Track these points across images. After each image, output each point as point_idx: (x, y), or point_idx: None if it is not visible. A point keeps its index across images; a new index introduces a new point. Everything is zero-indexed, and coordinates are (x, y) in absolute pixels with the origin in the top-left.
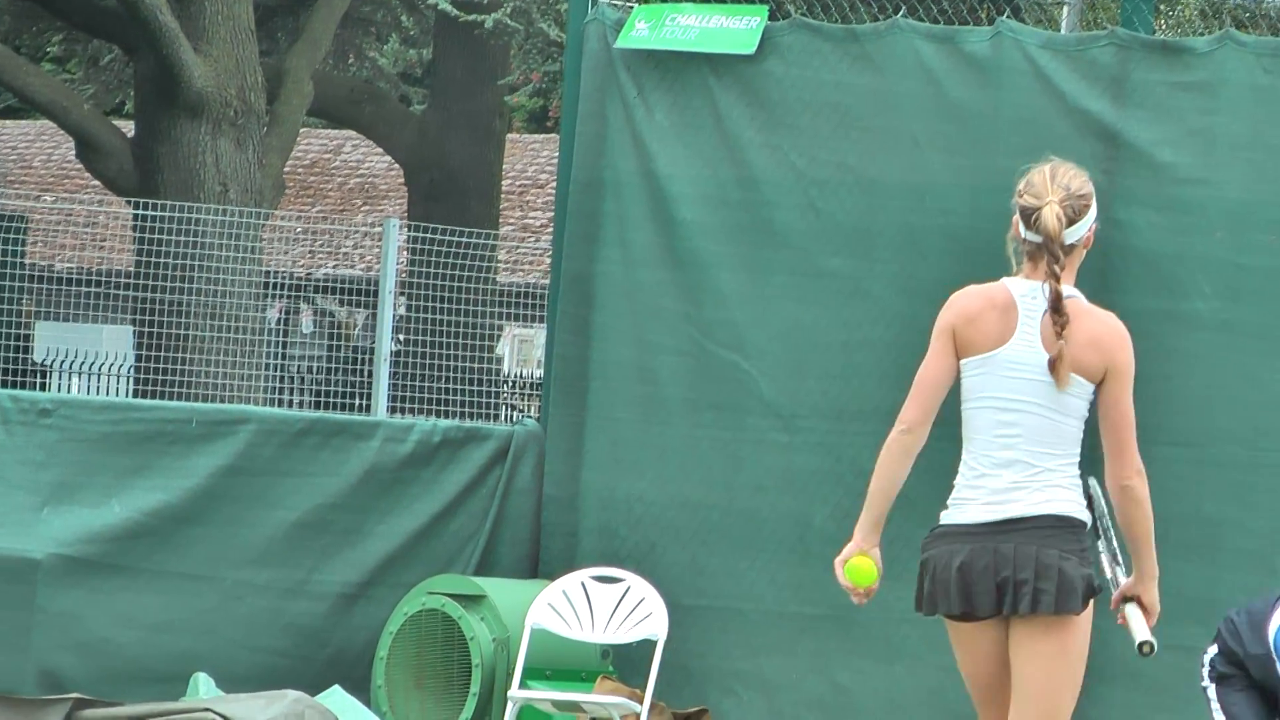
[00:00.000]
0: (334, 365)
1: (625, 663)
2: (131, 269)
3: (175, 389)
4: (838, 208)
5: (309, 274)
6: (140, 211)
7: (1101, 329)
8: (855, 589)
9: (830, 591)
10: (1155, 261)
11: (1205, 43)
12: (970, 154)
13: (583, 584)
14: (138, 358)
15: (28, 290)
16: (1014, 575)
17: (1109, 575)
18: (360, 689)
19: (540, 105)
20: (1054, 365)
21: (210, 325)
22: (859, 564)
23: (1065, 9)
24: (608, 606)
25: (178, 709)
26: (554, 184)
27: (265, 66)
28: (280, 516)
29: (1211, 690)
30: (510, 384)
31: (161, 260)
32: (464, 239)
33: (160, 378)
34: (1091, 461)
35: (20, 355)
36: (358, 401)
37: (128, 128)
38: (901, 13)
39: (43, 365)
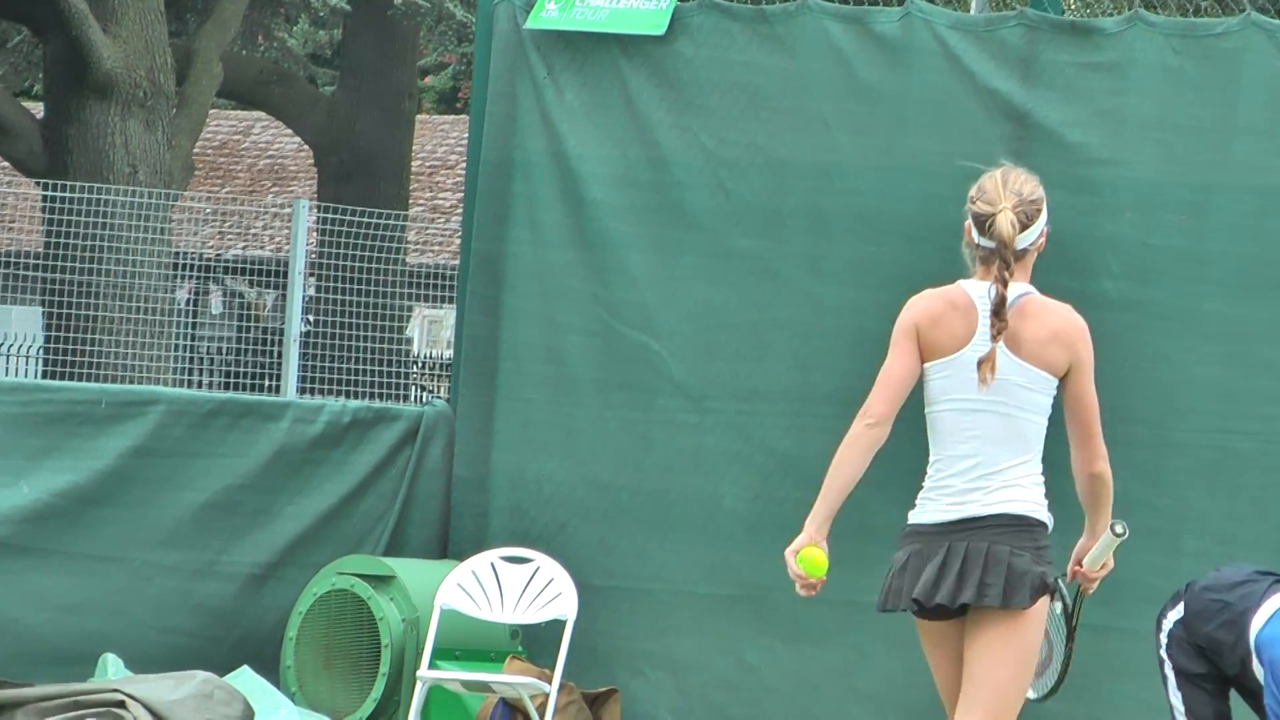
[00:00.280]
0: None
1: (534, 643)
2: (40, 250)
3: (84, 370)
4: (747, 188)
5: (218, 255)
6: (49, 193)
7: (1061, 324)
8: (806, 579)
9: (739, 571)
10: (1065, 242)
11: (1114, 23)
12: (880, 134)
13: (492, 564)
14: (46, 339)
15: None
16: (962, 569)
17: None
18: (269, 669)
19: (450, 86)
20: (981, 364)
21: (119, 306)
22: (810, 555)
23: None
24: (517, 587)
25: (86, 690)
26: (464, 165)
27: (174, 48)
28: (189, 497)
29: (1170, 670)
30: (420, 365)
31: (70, 241)
32: (373, 220)
33: (69, 359)
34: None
35: None
36: (267, 382)
37: (37, 109)
38: None
39: None
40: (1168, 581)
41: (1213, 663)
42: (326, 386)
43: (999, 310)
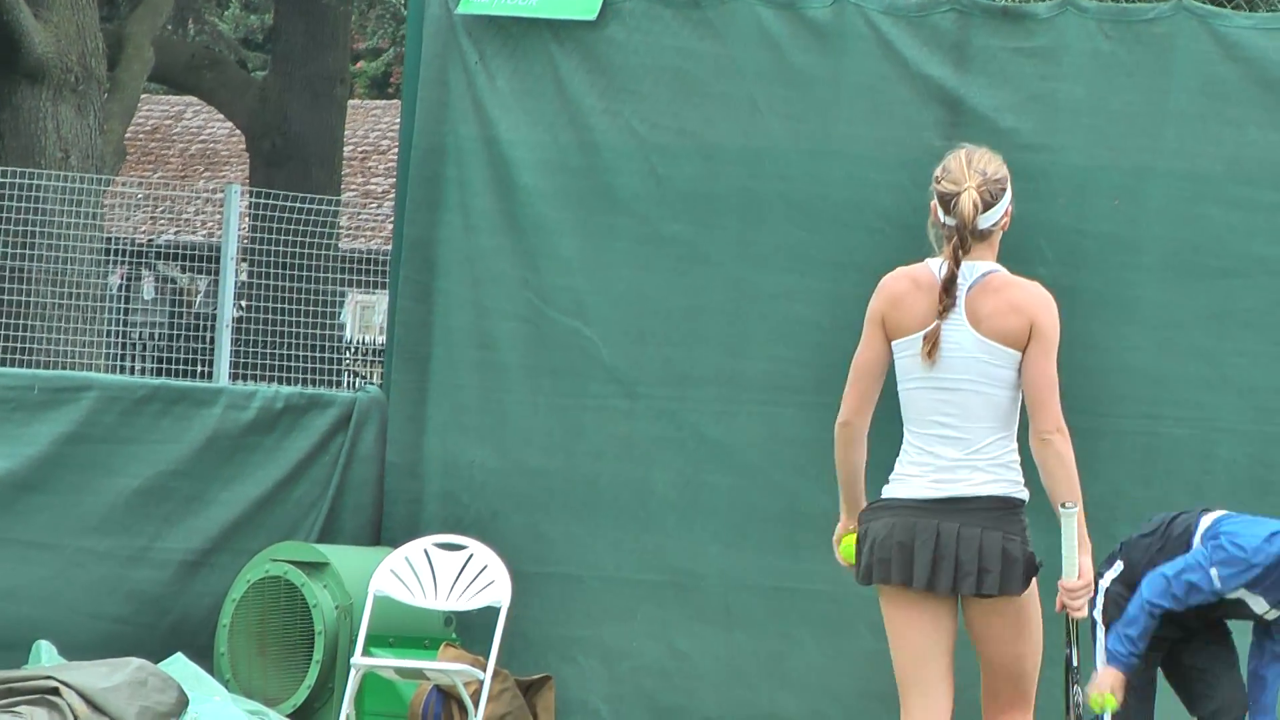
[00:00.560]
0: (176, 332)
1: (468, 630)
2: None
3: (16, 355)
4: (678, 174)
5: (150, 240)
6: None
7: (1022, 295)
8: (851, 565)
9: (670, 558)
10: None
11: (1046, 8)
12: (811, 120)
13: (426, 551)
14: None
15: None
16: (957, 556)
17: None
18: (203, 656)
19: (382, 71)
20: (925, 338)
21: (51, 292)
22: (851, 542)
23: None
24: (451, 574)
25: (19, 677)
26: (396, 150)
27: (106, 32)
28: (122, 484)
29: (1102, 633)
30: (353, 351)
31: (2, 227)
32: (306, 205)
33: (1, 344)
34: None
35: None
36: (200, 368)
37: None
38: None
39: None
40: None
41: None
42: (259, 372)
43: (948, 287)
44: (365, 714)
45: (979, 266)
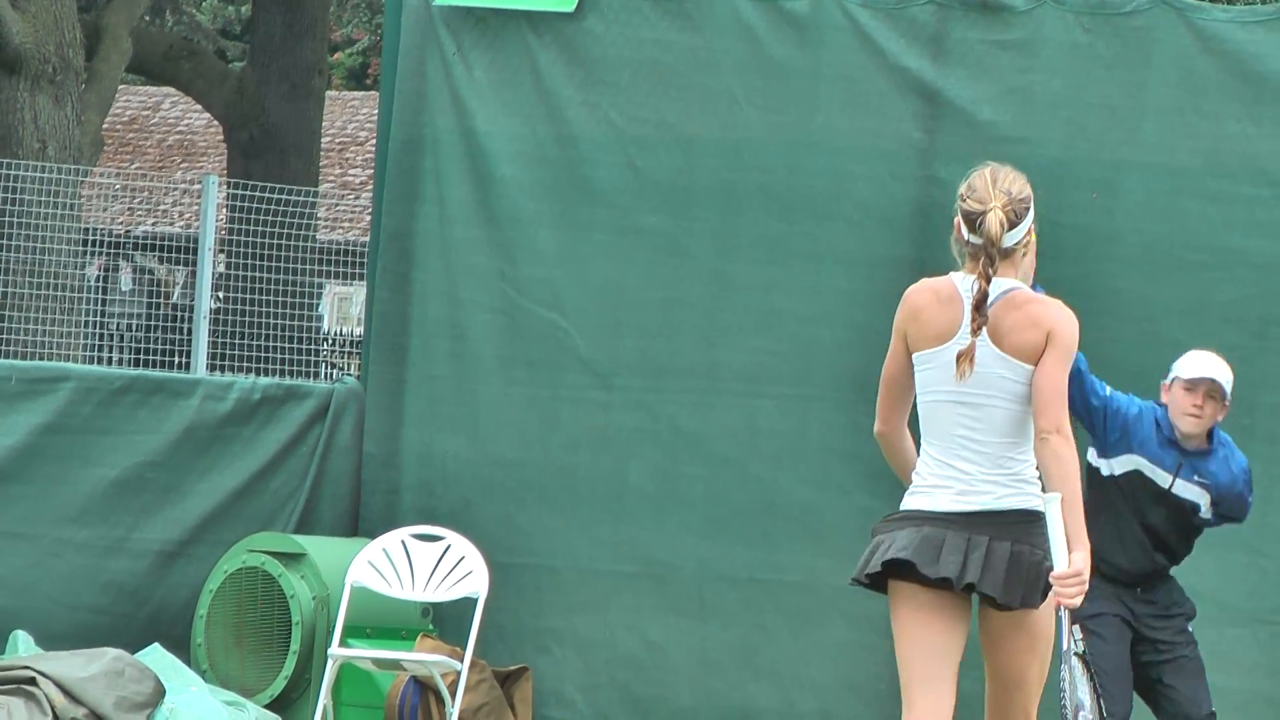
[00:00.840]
0: (153, 323)
1: (444, 621)
2: None
3: None
4: (656, 165)
5: (128, 231)
6: None
7: (1042, 310)
8: None
9: (644, 549)
10: None
11: (1024, 1)
12: (789, 112)
13: (403, 542)
14: None
15: None
16: (986, 563)
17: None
18: (180, 647)
19: (360, 62)
20: (959, 357)
21: (29, 283)
22: None
23: None
24: (428, 565)
25: None
26: (374, 141)
27: (83, 23)
28: (100, 474)
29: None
30: (330, 342)
31: None
32: (283, 196)
33: None
34: None
35: None
36: (177, 359)
37: None
38: None
39: None
40: None
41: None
42: (236, 363)
43: (980, 305)
44: (342, 705)
45: (1001, 283)
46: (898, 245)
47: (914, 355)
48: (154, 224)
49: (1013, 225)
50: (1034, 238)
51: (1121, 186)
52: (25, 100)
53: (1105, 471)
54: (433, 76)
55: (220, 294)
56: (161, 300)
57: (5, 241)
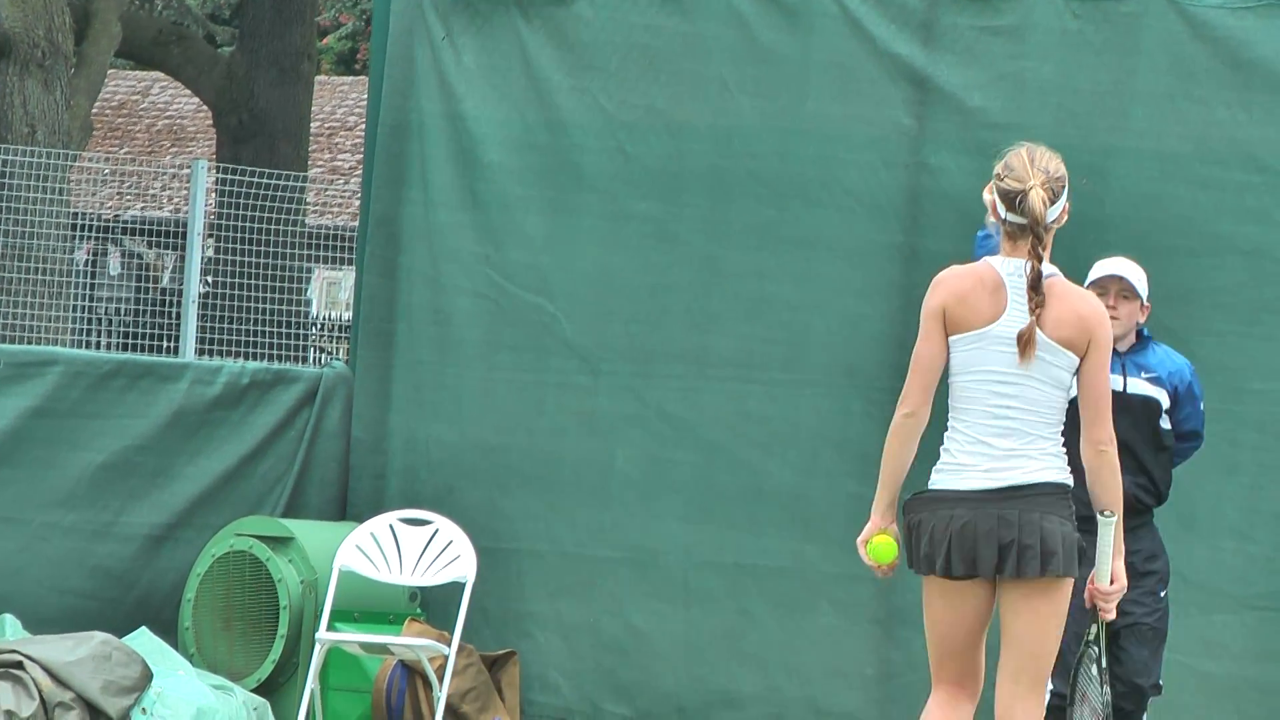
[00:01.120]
0: (142, 307)
1: (431, 605)
2: None
3: None
4: (646, 151)
5: (117, 216)
6: None
7: (1085, 307)
8: (879, 566)
9: (629, 534)
10: (966, 205)
11: None
12: (779, 98)
13: (391, 526)
14: None
15: None
16: (1019, 540)
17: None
18: (168, 631)
19: (349, 48)
20: (1021, 338)
21: (17, 267)
22: (882, 542)
23: None
24: (416, 549)
25: None
26: (363, 127)
27: (72, 8)
28: (87, 458)
29: None
30: (319, 326)
31: None
32: (272, 181)
33: None
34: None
35: None
36: (166, 343)
37: None
38: None
39: None
40: None
41: None
42: (225, 348)
43: (1036, 285)
44: (330, 689)
45: (1042, 269)
46: (888, 231)
47: (955, 337)
48: (143, 209)
49: (1051, 203)
50: (1066, 216)
51: (1111, 173)
52: (14, 85)
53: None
54: (421, 62)
55: (209, 278)
56: (150, 285)
57: None
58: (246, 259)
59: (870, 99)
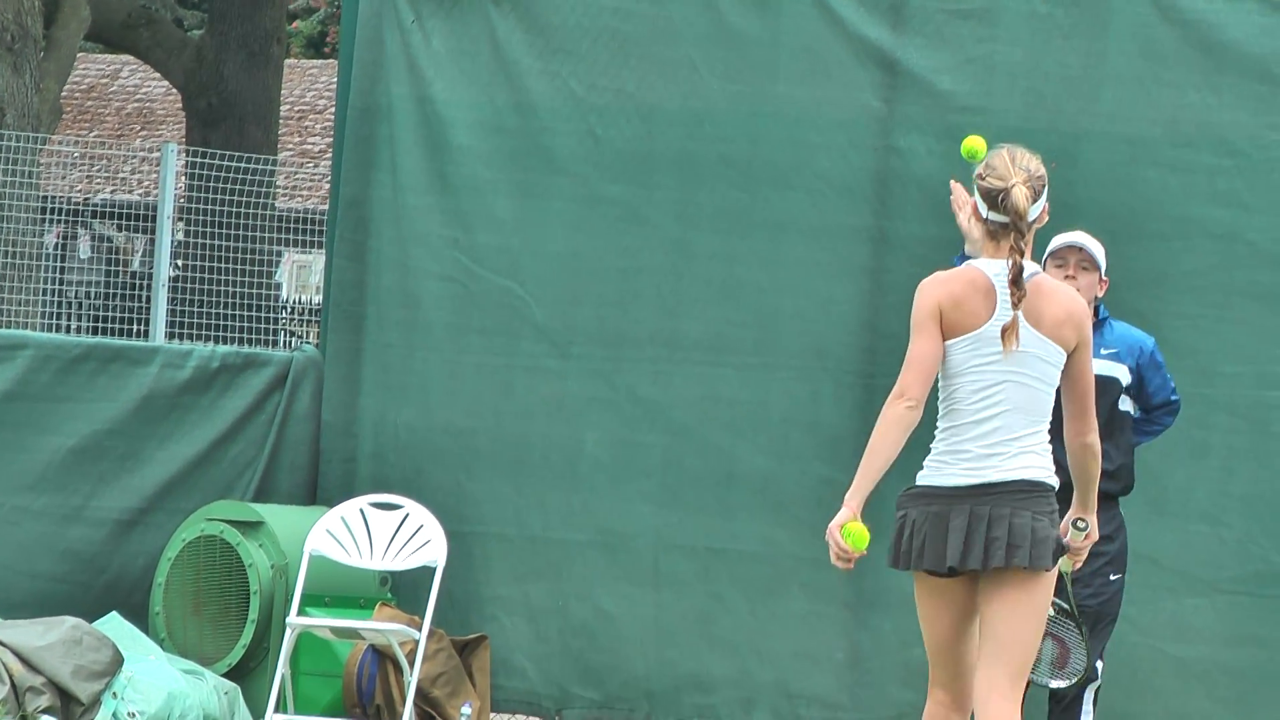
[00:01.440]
0: (112, 290)
1: (402, 589)
2: None
3: None
4: (616, 134)
5: (86, 199)
6: None
7: (1072, 304)
8: (849, 553)
9: (599, 518)
10: (934, 188)
11: None
12: (749, 81)
13: (361, 511)
14: None
15: None
16: (987, 533)
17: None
18: (138, 615)
19: (319, 31)
20: (1005, 332)
21: None
22: (855, 530)
23: None
24: (386, 533)
25: None
26: (333, 110)
27: None
28: (57, 442)
29: None
30: (289, 310)
31: None
32: (242, 164)
33: None
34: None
35: None
36: (136, 327)
37: None
38: None
39: None
40: None
41: None
42: (195, 331)
43: (1017, 280)
44: (300, 673)
45: (1027, 267)
46: (858, 215)
47: (950, 341)
48: (112, 192)
49: (1033, 201)
50: (1047, 216)
51: (1081, 156)
52: None
53: None
54: (391, 45)
55: (179, 262)
56: (120, 268)
57: None
58: (216, 242)
59: (840, 82)
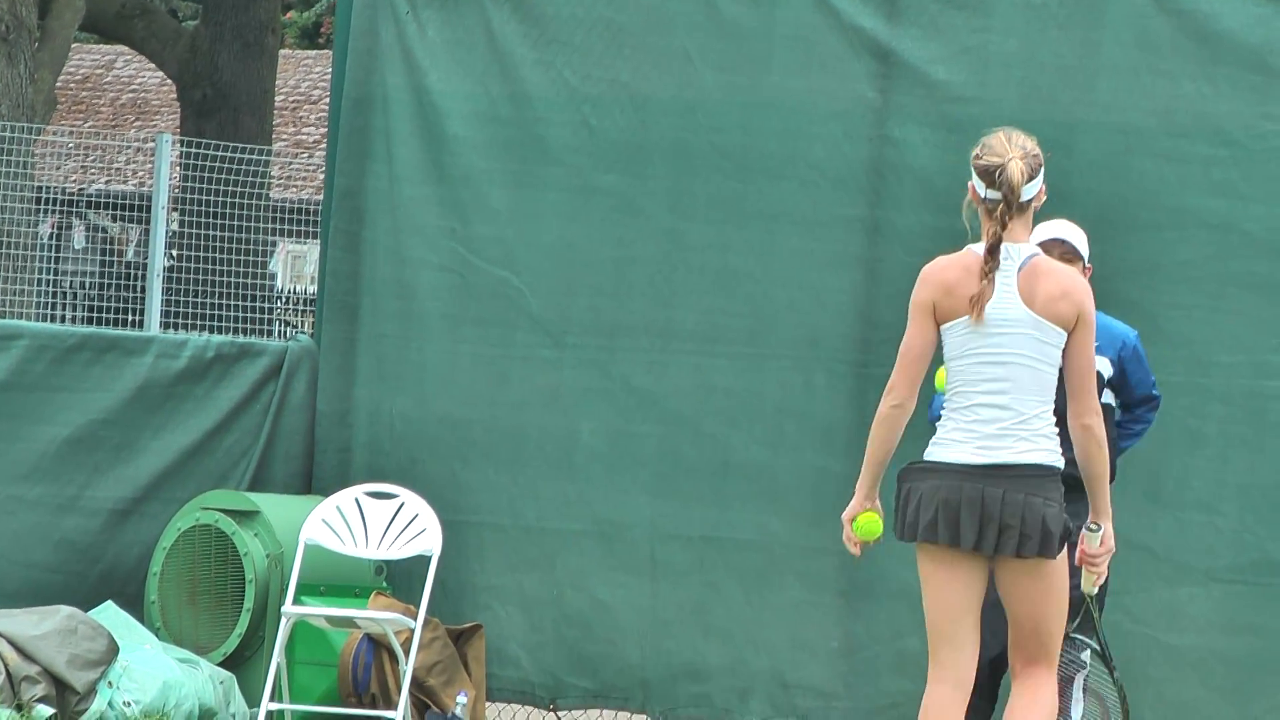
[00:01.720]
0: (106, 281)
1: (397, 579)
2: None
3: None
4: (610, 124)
5: (81, 190)
6: None
7: (1070, 283)
8: (861, 542)
9: (595, 507)
10: (929, 179)
11: None
12: (743, 71)
13: (356, 500)
14: None
15: None
16: (1001, 519)
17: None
18: (133, 605)
19: (313, 21)
20: (974, 301)
21: None
22: (869, 519)
23: None
24: (381, 522)
25: None
26: (327, 100)
27: None
28: (53, 432)
29: None
30: (284, 300)
31: None
32: (237, 155)
33: None
34: None
35: None
36: (131, 317)
37: None
38: None
39: None
40: None
41: None
42: (190, 321)
43: (994, 249)
44: (296, 662)
45: (1024, 249)
46: (852, 205)
47: (946, 325)
48: (107, 182)
49: (1029, 179)
50: (1044, 196)
51: (1076, 146)
52: None
53: None
54: (385, 35)
55: (174, 252)
56: (115, 258)
57: None
58: (211, 232)
59: (834, 72)
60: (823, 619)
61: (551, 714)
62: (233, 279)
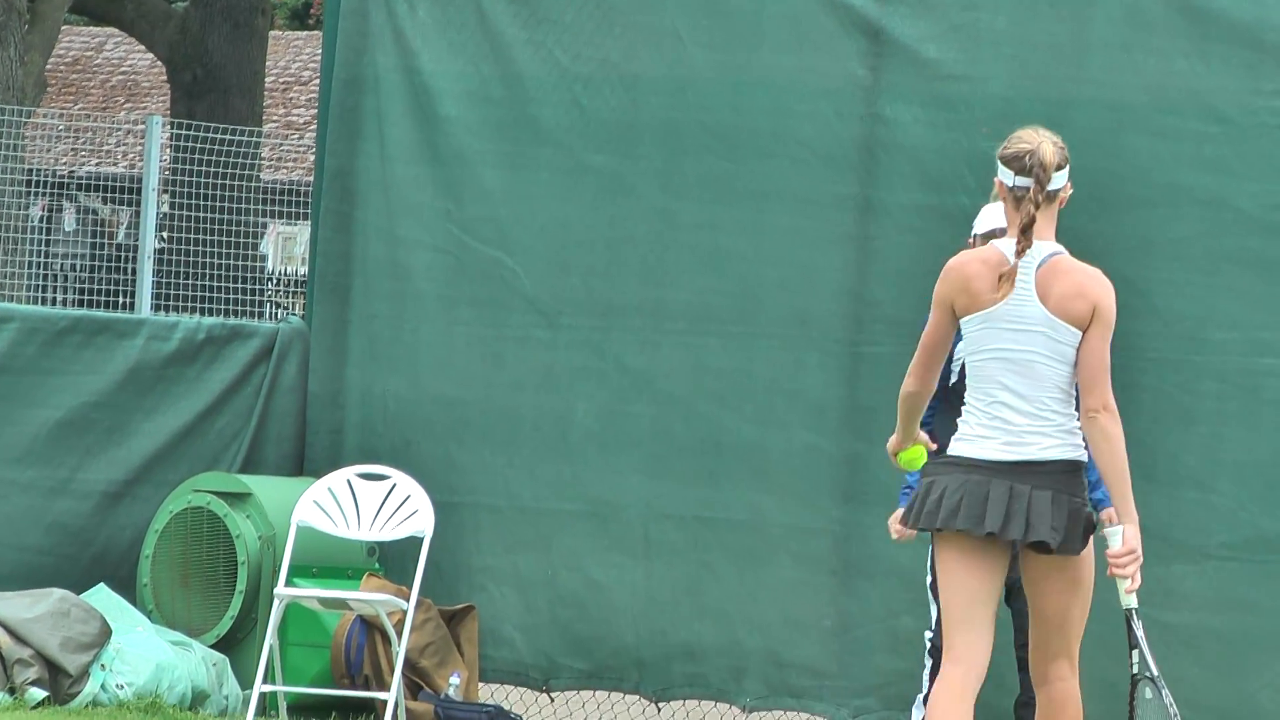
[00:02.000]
0: (97, 263)
1: (389, 560)
2: None
3: None
4: (601, 104)
5: (72, 172)
6: None
7: (1086, 279)
8: (909, 468)
9: (589, 488)
10: (921, 157)
11: None
12: (733, 49)
13: (349, 481)
14: None
15: None
16: (1028, 514)
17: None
18: (126, 587)
19: (303, 2)
20: (1001, 277)
21: None
22: (916, 451)
23: None
24: (374, 504)
25: None
26: (318, 81)
27: None
28: (44, 415)
29: None
30: (275, 282)
31: None
32: (227, 136)
33: None
34: None
35: None
36: (122, 299)
37: None
38: None
39: None
40: None
41: None
42: (181, 303)
43: (1027, 229)
44: (289, 644)
45: (1046, 247)
46: (842, 183)
47: (965, 319)
48: (98, 164)
49: (1059, 167)
50: (1070, 191)
51: (1067, 123)
52: None
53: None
54: (375, 15)
55: (164, 234)
56: (105, 240)
57: None
58: (202, 214)
59: (824, 50)
60: (816, 598)
61: (545, 695)
62: (223, 261)
